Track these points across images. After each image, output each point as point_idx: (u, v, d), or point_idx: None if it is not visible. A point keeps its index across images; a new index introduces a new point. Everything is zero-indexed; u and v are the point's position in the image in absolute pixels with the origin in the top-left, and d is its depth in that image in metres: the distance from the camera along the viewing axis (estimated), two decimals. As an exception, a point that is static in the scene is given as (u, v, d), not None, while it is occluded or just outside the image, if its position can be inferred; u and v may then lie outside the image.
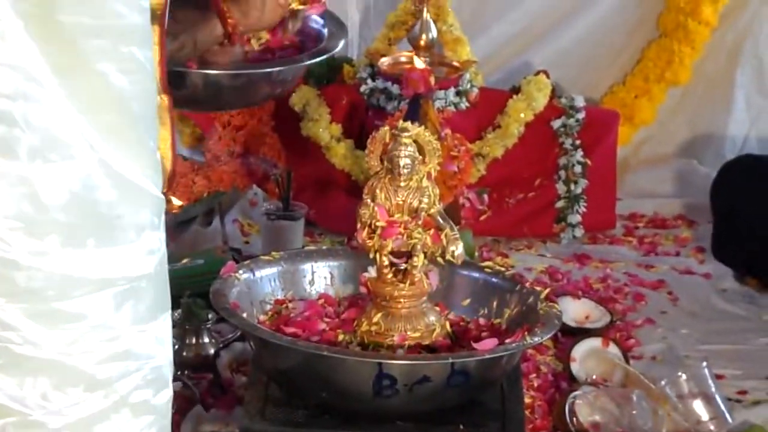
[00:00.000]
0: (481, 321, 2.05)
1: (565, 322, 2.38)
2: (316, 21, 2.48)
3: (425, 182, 1.90)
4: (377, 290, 1.92)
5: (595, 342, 2.43)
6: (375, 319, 1.91)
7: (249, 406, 1.89)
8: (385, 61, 2.91)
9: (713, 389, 2.24)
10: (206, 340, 2.38)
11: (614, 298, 2.86)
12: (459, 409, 1.88)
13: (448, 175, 2.64)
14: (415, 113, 2.62)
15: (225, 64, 1.95)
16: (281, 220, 2.79)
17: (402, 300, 1.91)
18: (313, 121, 3.19)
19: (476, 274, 2.11)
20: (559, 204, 3.22)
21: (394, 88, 3.08)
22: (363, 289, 1.98)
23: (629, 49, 3.71)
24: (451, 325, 1.98)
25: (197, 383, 2.27)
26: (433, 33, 2.92)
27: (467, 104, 3.16)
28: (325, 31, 2.39)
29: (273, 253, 2.13)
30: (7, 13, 1.06)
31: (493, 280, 2.10)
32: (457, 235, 1.89)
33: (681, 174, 3.60)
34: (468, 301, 2.09)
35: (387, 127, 1.92)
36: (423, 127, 1.95)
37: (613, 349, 2.41)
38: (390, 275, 1.90)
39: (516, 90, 3.26)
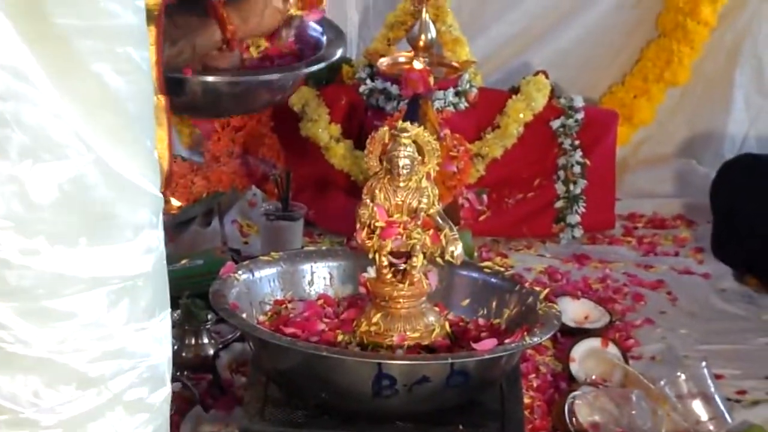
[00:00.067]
0: (481, 321, 2.05)
1: (565, 323, 2.38)
2: (314, 29, 2.48)
3: (424, 182, 1.90)
4: (376, 290, 1.92)
5: (594, 342, 2.42)
6: (374, 320, 1.91)
7: (248, 406, 1.89)
8: (384, 62, 2.91)
9: (712, 389, 2.24)
10: (205, 340, 2.38)
11: (613, 298, 2.86)
12: (458, 410, 1.88)
13: (447, 176, 2.65)
14: (414, 113, 2.62)
15: (225, 69, 1.95)
16: (280, 221, 2.79)
17: (401, 300, 1.91)
18: (312, 121, 3.19)
19: (475, 275, 2.11)
20: (558, 204, 3.22)
21: (394, 89, 3.08)
22: (362, 290, 1.98)
23: (628, 49, 3.71)
24: (450, 326, 1.98)
25: (196, 384, 2.27)
26: (432, 33, 2.92)
27: (466, 104, 3.16)
28: (324, 38, 2.39)
29: (272, 253, 2.13)
30: None
31: (493, 280, 2.10)
32: (457, 236, 1.89)
33: (680, 174, 3.60)
34: (467, 301, 2.09)
35: (386, 128, 1.92)
36: (422, 127, 1.95)
37: (612, 349, 2.41)
38: (389, 275, 1.90)
39: (515, 90, 3.26)
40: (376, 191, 1.90)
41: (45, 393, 1.16)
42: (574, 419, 2.18)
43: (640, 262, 3.11)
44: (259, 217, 2.92)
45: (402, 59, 2.83)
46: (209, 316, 2.36)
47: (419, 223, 1.89)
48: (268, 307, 2.04)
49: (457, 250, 1.88)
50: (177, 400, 2.17)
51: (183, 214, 3.09)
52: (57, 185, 1.11)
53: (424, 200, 1.89)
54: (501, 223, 3.21)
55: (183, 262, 2.65)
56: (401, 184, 1.89)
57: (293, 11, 1.93)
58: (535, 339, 1.88)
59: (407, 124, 1.90)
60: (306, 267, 2.12)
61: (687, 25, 3.56)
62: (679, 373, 2.24)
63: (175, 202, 3.11)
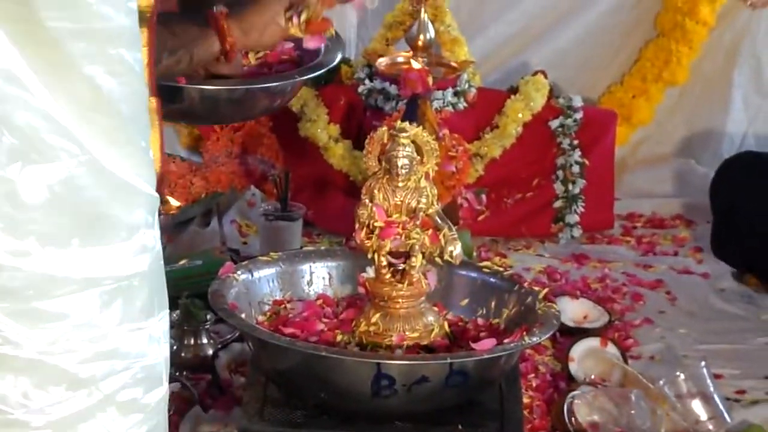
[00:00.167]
0: (480, 321, 2.05)
1: (564, 322, 2.38)
2: None
3: (423, 182, 1.90)
4: (375, 290, 1.92)
5: (593, 342, 2.43)
6: (373, 320, 1.91)
7: (247, 406, 1.89)
8: (382, 62, 2.91)
9: (711, 389, 2.24)
10: (205, 340, 2.38)
11: (612, 297, 2.86)
12: (457, 409, 1.88)
13: (446, 176, 2.64)
14: (413, 113, 2.62)
15: (227, 75, 1.95)
16: (279, 221, 2.79)
17: (400, 300, 1.91)
18: (311, 121, 3.19)
19: (474, 274, 2.11)
20: (557, 204, 3.22)
21: (392, 89, 3.08)
22: (361, 290, 1.98)
23: (627, 49, 3.71)
24: (449, 326, 1.98)
25: (196, 384, 2.27)
26: (431, 33, 2.92)
27: (465, 104, 3.16)
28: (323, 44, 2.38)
29: (271, 253, 2.13)
30: None
31: (492, 280, 2.10)
32: (456, 236, 1.89)
33: (679, 174, 3.61)
34: (466, 301, 2.09)
35: (385, 128, 1.92)
36: (421, 127, 1.95)
37: (611, 348, 2.41)
38: (388, 275, 1.90)
39: (514, 90, 3.26)
40: (375, 191, 1.90)
41: (34, 394, 1.16)
42: (573, 419, 2.18)
43: (639, 261, 3.11)
44: (258, 217, 2.92)
45: (400, 59, 2.83)
46: (208, 317, 2.36)
47: (418, 223, 1.89)
48: (267, 307, 2.04)
49: (456, 249, 1.88)
50: (176, 401, 2.17)
51: (182, 215, 3.10)
52: (47, 186, 1.11)
53: (423, 200, 1.89)
54: (500, 223, 3.21)
55: (182, 262, 2.65)
56: (400, 184, 1.89)
57: (294, 31, 1.92)
58: (534, 339, 1.88)
59: (406, 124, 1.90)
60: (305, 267, 2.11)
61: (686, 25, 3.56)
62: (678, 373, 2.24)
63: (174, 202, 3.11)
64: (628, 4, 3.67)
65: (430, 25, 2.92)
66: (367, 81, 3.18)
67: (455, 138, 2.71)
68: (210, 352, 2.35)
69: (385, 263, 1.89)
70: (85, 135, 1.12)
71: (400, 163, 1.88)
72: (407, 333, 1.90)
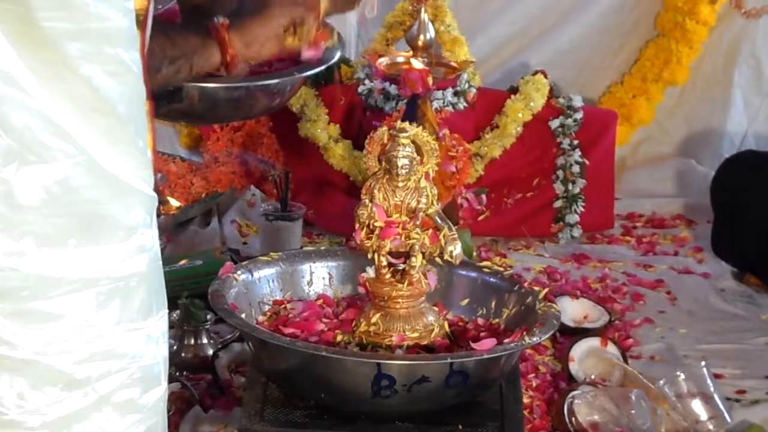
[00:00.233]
0: (480, 321, 2.05)
1: (564, 322, 2.38)
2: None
3: (423, 182, 1.90)
4: (376, 290, 1.92)
5: (593, 342, 2.42)
6: (373, 320, 1.91)
7: (248, 406, 1.89)
8: (382, 62, 2.91)
9: (712, 389, 2.24)
10: (205, 341, 2.38)
11: (613, 297, 2.86)
12: (458, 409, 1.88)
13: (446, 176, 2.64)
14: (412, 114, 2.62)
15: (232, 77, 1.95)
16: (279, 221, 2.79)
17: (400, 300, 1.91)
18: (311, 121, 3.19)
19: (474, 274, 2.11)
20: (558, 204, 3.22)
21: (392, 89, 3.08)
22: (361, 290, 1.98)
23: (627, 49, 3.71)
24: (449, 325, 1.98)
25: (196, 384, 2.27)
26: (431, 33, 2.92)
27: (465, 104, 3.16)
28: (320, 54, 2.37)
29: (271, 253, 2.13)
30: None
31: (492, 280, 2.10)
32: (456, 235, 1.89)
33: (679, 173, 3.61)
34: (466, 301, 2.09)
35: (385, 128, 1.92)
36: (421, 127, 1.95)
37: (611, 348, 2.41)
38: (388, 275, 1.90)
39: (514, 90, 3.26)
40: (375, 191, 1.90)
41: (30, 394, 1.16)
42: (573, 419, 2.18)
43: (639, 261, 3.11)
44: (258, 217, 2.92)
45: (401, 59, 2.83)
46: (208, 317, 2.36)
47: (418, 223, 1.89)
48: (267, 308, 2.04)
49: (456, 249, 1.88)
50: (176, 401, 2.17)
51: (182, 215, 3.10)
52: (43, 187, 1.11)
53: (423, 200, 1.89)
54: (500, 223, 3.21)
55: (182, 262, 2.65)
56: (400, 184, 1.89)
57: (291, 41, 1.92)
58: (535, 339, 1.88)
59: (406, 124, 1.90)
60: (305, 267, 2.12)
61: (686, 25, 3.56)
62: (678, 373, 2.24)
63: (174, 203, 3.11)
64: (628, 4, 3.67)
65: (430, 25, 2.92)
66: (367, 81, 3.18)
67: (455, 138, 2.71)
68: (210, 352, 2.35)
69: (385, 263, 1.89)
70: (83, 135, 1.12)
71: (400, 163, 1.88)
72: (407, 333, 1.90)
